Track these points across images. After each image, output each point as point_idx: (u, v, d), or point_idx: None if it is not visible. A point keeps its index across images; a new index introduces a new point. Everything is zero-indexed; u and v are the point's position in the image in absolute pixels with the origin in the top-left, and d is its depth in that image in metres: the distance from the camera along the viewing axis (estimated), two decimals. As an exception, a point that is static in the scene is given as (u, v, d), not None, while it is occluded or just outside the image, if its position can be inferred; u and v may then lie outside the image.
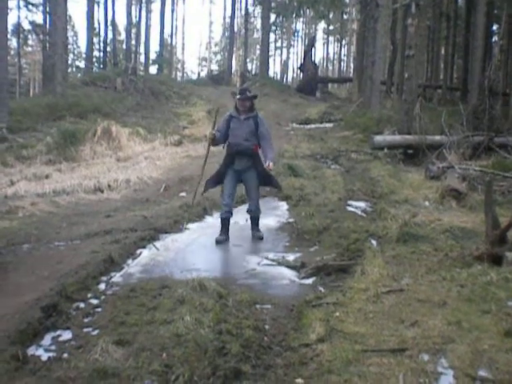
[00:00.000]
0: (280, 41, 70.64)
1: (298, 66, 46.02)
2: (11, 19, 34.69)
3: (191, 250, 7.29)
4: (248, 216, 8.01)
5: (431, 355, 3.89)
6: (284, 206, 9.70)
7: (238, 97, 7.78)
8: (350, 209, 9.31)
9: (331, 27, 65.54)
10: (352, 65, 49.56)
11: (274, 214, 9.08)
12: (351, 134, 19.06)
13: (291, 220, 8.64)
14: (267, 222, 8.50)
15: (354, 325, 4.51)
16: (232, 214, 7.81)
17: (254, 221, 7.95)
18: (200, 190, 8.27)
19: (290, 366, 3.90)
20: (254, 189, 7.86)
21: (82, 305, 5.16)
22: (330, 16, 52.43)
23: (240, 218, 8.30)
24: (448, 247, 6.58)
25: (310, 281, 5.97)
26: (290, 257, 6.87)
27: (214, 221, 8.70)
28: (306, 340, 4.28)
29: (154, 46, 52.00)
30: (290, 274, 6.22)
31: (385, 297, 5.12)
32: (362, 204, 9.67)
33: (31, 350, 4.20)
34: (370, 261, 6.15)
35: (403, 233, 7.12)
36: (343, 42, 66.49)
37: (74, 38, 62.84)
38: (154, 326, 4.49)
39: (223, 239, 7.70)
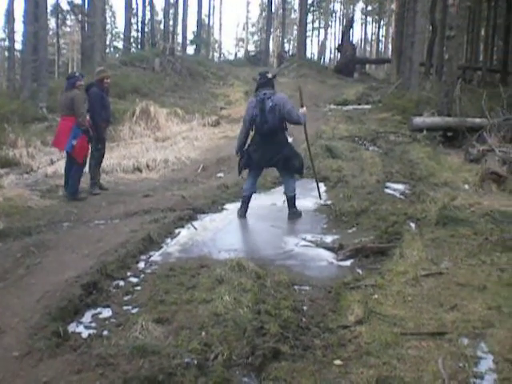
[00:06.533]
0: (318, 21, 70.01)
1: (336, 46, 45.64)
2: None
3: (229, 231, 7.33)
4: (285, 197, 8.03)
5: (471, 339, 3.86)
6: (321, 187, 9.62)
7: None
8: (388, 191, 9.21)
9: (369, 7, 64.74)
10: (390, 46, 48.85)
11: (312, 196, 9.02)
12: (390, 116, 18.80)
13: (329, 202, 8.59)
14: (305, 203, 8.48)
15: (392, 307, 4.49)
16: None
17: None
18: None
19: (329, 347, 3.90)
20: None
21: (121, 283, 5.25)
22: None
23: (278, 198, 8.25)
24: (488, 231, 6.46)
25: (347, 263, 5.95)
26: (328, 238, 6.84)
27: (251, 202, 8.61)
28: (344, 322, 4.29)
29: (192, 27, 52.20)
30: (327, 255, 6.21)
31: (424, 280, 5.08)
32: (400, 186, 9.57)
33: (72, 327, 4.29)
34: (409, 244, 6.11)
35: (442, 216, 7.02)
36: (381, 23, 65.66)
37: (112, 19, 63.37)
38: (193, 305, 4.53)
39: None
